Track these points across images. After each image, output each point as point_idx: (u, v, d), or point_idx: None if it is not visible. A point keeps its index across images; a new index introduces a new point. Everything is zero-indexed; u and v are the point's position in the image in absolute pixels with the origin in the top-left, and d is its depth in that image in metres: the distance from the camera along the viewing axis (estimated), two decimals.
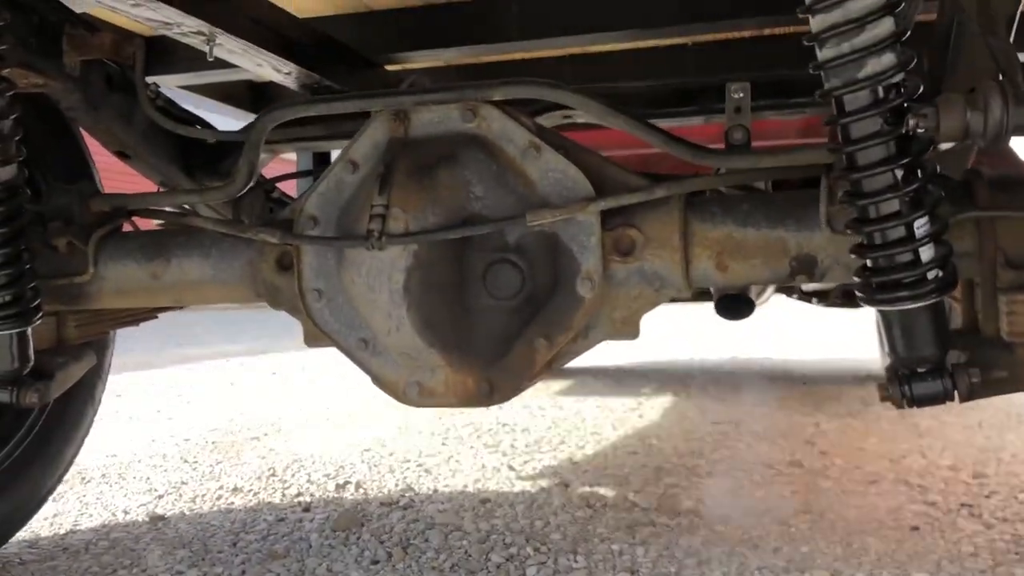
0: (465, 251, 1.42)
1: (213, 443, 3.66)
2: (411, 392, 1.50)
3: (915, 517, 2.26)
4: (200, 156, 2.19)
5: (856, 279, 1.22)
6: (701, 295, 5.60)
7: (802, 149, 1.33)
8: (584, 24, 2.49)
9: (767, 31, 2.79)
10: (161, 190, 1.94)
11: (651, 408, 4.30)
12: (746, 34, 2.83)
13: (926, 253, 1.14)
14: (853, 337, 9.22)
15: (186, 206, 1.83)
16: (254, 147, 1.52)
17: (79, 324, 1.90)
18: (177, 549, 2.12)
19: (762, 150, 1.36)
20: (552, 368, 1.49)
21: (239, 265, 1.61)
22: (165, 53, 2.84)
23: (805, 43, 1.11)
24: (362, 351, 1.51)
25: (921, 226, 1.13)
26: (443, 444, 3.45)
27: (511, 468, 2.95)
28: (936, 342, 1.17)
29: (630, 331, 1.44)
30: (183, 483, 2.89)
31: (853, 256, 1.21)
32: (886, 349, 1.22)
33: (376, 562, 1.97)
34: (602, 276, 1.39)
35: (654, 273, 1.40)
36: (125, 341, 9.43)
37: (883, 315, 1.20)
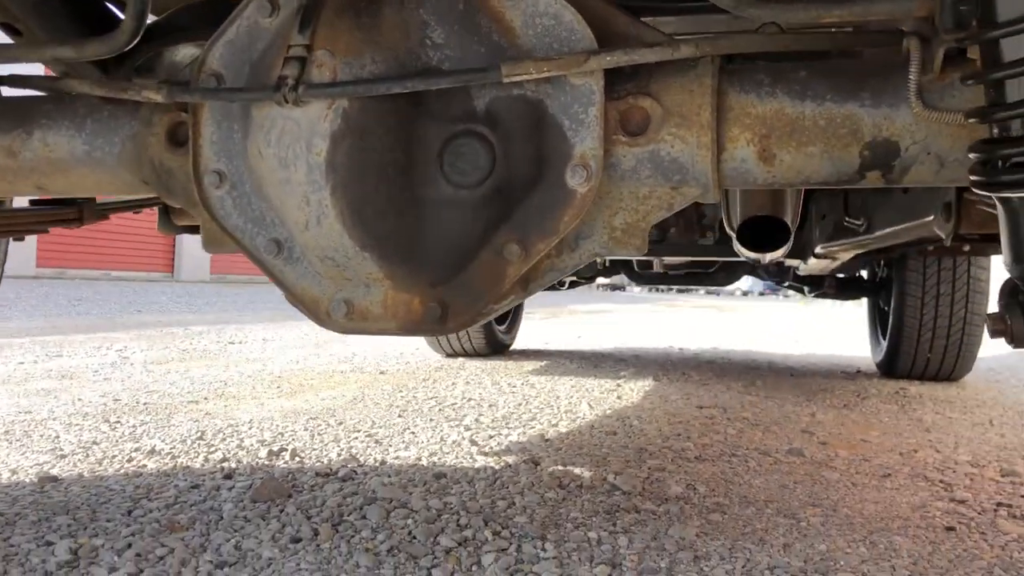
0: (416, 119, 1.04)
1: (145, 405, 3.26)
2: (337, 313, 1.12)
3: (946, 516, 1.92)
4: None
5: (972, 156, 0.86)
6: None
7: None
8: None
9: None
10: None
11: (630, 390, 3.95)
12: None
13: None
14: (831, 338, 8.96)
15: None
16: None
17: None
18: (57, 516, 1.73)
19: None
20: (527, 291, 1.11)
21: (121, 140, 1.22)
22: None
23: None
24: (274, 256, 1.13)
25: None
26: (399, 416, 3.08)
27: (473, 443, 2.57)
28: None
29: (634, 243, 1.07)
30: (94, 443, 2.49)
31: (971, 121, 0.84)
32: (1008, 262, 0.86)
33: (297, 540, 1.59)
34: (602, 163, 1.02)
35: (672, 162, 1.03)
36: (79, 304, 9.04)
37: (1008, 211, 0.84)
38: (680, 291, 40.30)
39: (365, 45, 1.00)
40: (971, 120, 0.85)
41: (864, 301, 5.52)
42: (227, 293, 14.73)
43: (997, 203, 0.85)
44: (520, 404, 3.42)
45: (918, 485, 2.22)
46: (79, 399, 3.32)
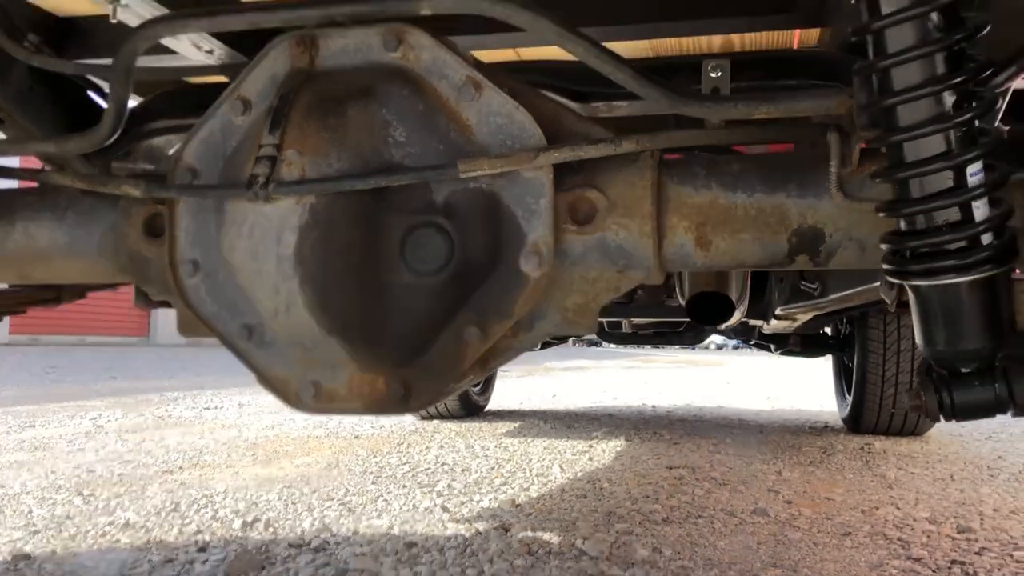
0: (379, 211, 1.11)
1: (119, 476, 3.26)
2: (305, 394, 1.17)
3: (901, 575, 1.97)
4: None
5: (883, 246, 0.94)
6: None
7: (811, 94, 1.05)
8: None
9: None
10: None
11: (602, 451, 3.99)
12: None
13: (980, 211, 0.86)
14: (803, 393, 9.05)
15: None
16: (123, 76, 1.21)
17: None
18: None
19: (759, 97, 1.08)
20: (487, 369, 1.18)
21: (100, 231, 1.28)
22: (80, 37, 2.54)
23: None
24: (245, 341, 1.19)
25: (975, 174, 0.85)
26: (373, 483, 3.10)
27: (445, 509, 2.61)
28: (987, 333, 0.89)
29: (585, 323, 1.14)
30: (68, 517, 2.50)
31: (881, 215, 0.93)
32: (920, 343, 0.94)
33: None
34: (553, 249, 1.09)
35: (618, 248, 1.11)
36: (53, 372, 8.90)
37: (918, 297, 0.92)
38: (655, 346, 40.40)
39: (331, 144, 1.08)
40: (881, 214, 0.94)
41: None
42: (204, 357, 14.63)
43: (908, 290, 0.93)
44: (493, 468, 3.46)
45: (877, 543, 2.28)
46: (52, 471, 3.32)
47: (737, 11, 2.20)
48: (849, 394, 4.94)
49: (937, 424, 4.77)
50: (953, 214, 0.87)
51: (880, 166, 0.97)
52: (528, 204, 1.10)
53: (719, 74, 1.44)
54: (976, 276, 0.87)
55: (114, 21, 1.80)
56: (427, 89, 1.13)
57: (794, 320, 3.37)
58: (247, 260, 1.10)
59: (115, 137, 1.27)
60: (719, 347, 42.30)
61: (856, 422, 4.77)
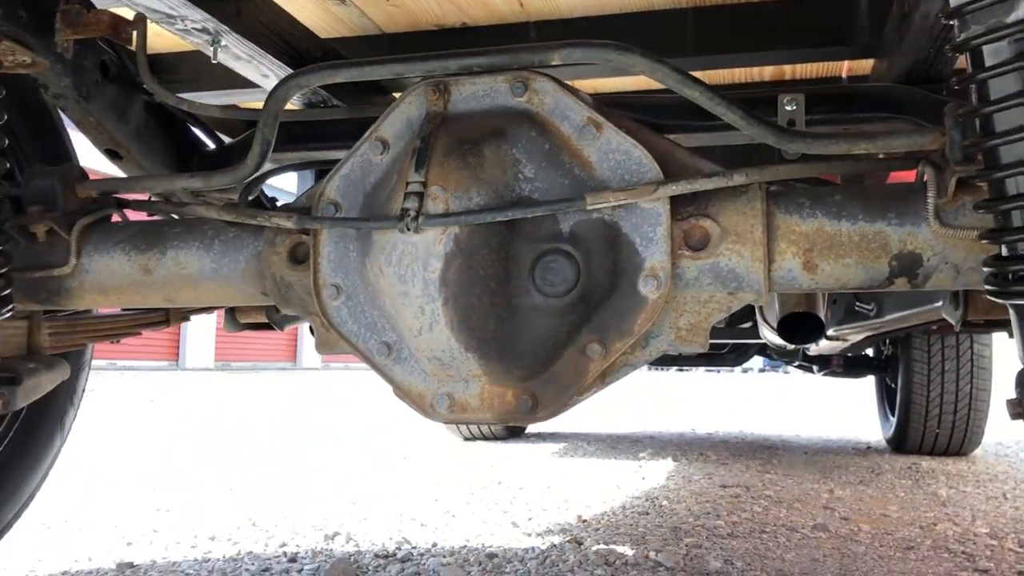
0: (512, 240, 1.23)
1: (191, 487, 3.38)
2: (440, 405, 1.29)
3: None
4: (201, 162, 2.01)
5: (986, 269, 1.04)
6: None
7: (906, 132, 1.16)
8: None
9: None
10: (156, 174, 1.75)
11: (653, 471, 4.07)
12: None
13: None
14: (844, 416, 9.05)
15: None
16: (271, 120, 1.33)
17: (53, 332, 1.68)
18: None
19: (858, 135, 1.19)
20: (605, 383, 1.28)
21: (244, 258, 1.41)
22: (166, 71, 2.69)
23: None
24: (384, 356, 1.30)
25: None
26: (435, 500, 3.20)
27: (515, 524, 2.70)
28: None
29: (697, 341, 1.25)
30: (154, 531, 2.62)
31: (984, 242, 1.03)
32: (1021, 357, 1.04)
33: None
34: (669, 273, 1.20)
35: (730, 272, 1.22)
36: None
37: (1019, 315, 1.02)
38: (680, 369, 40.32)
39: (471, 181, 1.20)
40: (983, 241, 1.04)
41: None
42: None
43: (1009, 308, 1.03)
44: (549, 486, 3.55)
45: (941, 556, 2.35)
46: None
47: (793, 44, 2.32)
48: (892, 415, 4.99)
49: (982, 445, 4.81)
50: None
51: (978, 198, 1.07)
52: (646, 232, 1.21)
53: (794, 107, 1.56)
54: None
55: (215, 62, 1.94)
56: (551, 129, 1.24)
57: (845, 341, 3.45)
58: (395, 284, 1.22)
59: (257, 175, 1.40)
60: (744, 370, 42.07)
61: (901, 442, 4.82)
